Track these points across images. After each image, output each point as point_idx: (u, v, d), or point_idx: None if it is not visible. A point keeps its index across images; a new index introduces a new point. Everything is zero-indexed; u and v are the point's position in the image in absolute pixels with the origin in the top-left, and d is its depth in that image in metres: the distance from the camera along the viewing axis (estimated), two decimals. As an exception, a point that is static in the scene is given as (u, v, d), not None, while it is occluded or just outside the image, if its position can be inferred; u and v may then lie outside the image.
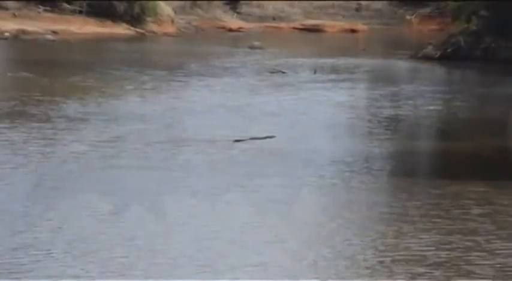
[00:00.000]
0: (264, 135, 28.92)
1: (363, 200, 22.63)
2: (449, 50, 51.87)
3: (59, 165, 25.32)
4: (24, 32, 59.90)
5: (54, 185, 23.10)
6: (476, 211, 20.68)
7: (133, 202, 21.59)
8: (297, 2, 75.33)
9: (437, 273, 16.61)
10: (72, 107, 34.65)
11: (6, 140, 28.83)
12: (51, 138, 28.68)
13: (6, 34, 58.95)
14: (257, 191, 22.97)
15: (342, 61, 52.07)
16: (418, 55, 52.93)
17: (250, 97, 38.12)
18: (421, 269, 16.81)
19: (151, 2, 65.74)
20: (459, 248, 18.02)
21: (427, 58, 51.79)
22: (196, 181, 23.86)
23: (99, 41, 59.61)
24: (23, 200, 21.28)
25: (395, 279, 16.32)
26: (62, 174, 24.34)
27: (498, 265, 16.94)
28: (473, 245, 18.14)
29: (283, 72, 45.79)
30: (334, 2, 76.64)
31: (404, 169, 27.38)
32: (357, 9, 75.43)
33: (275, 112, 33.95)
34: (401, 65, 51.44)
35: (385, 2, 72.23)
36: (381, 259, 17.53)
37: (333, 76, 45.72)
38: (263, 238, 18.87)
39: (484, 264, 17.03)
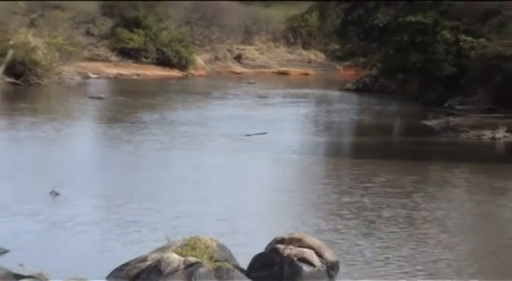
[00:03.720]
0: (262, 132, 28.77)
1: (306, 169, 22.94)
2: (360, 86, 51.50)
3: (138, 145, 25.69)
4: (120, 74, 59.68)
5: (139, 161, 23.49)
6: (363, 178, 20.71)
7: (183, 165, 22.22)
8: (274, 56, 75.08)
9: (330, 208, 17.03)
10: (146, 115, 34.62)
11: (111, 134, 29.10)
12: (134, 133, 28.87)
13: (111, 75, 58.71)
14: (254, 158, 23.38)
15: (300, 91, 51.67)
16: (343, 88, 52.47)
17: (249, 111, 37.76)
18: (322, 207, 17.26)
19: (191, 57, 65.59)
20: (350, 193, 18.43)
21: (348, 90, 51.30)
22: (221, 155, 24.12)
23: (162, 79, 59.35)
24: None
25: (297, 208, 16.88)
26: (143, 151, 24.72)
27: (365, 203, 17.37)
28: (362, 194, 18.56)
29: (267, 97, 45.62)
30: (296, 57, 76.41)
31: (335, 152, 27.66)
32: (308, 62, 75.18)
33: (265, 119, 33.46)
34: (334, 93, 50.90)
35: (324, 57, 71.69)
36: (300, 199, 18.11)
37: (295, 99, 45.40)
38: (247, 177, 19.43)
39: (355, 202, 17.50)
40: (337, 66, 65.07)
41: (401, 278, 12.23)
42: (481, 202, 18.39)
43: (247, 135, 27.96)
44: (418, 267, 12.80)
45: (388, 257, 13.27)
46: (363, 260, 13.13)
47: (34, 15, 52.92)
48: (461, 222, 16.28)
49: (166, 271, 11.30)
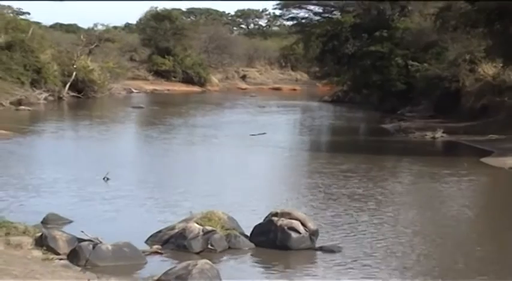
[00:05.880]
0: (262, 132, 28.60)
1: (293, 160, 22.95)
2: (335, 98, 51.38)
3: (168, 142, 25.57)
4: (155, 89, 59.75)
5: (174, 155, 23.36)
6: (336, 166, 20.61)
7: (201, 156, 22.13)
8: (270, 76, 75.04)
9: (306, 189, 16.84)
10: (174, 120, 34.61)
11: (147, 133, 29.03)
12: (164, 133, 28.81)
13: (148, 91, 58.75)
14: (255, 152, 23.37)
15: (290, 102, 51.78)
16: (321, 100, 52.43)
17: (252, 117, 37.81)
18: (302, 188, 17.20)
19: (208, 77, 65.71)
20: (321, 177, 18.32)
21: (325, 101, 51.26)
22: (231, 150, 24.12)
23: (186, 93, 59.31)
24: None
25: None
26: (171, 146, 24.60)
27: (330, 184, 17.29)
28: (330, 177, 18.52)
29: (265, 107, 45.65)
30: (287, 76, 76.46)
31: (315, 148, 27.63)
32: (296, 80, 75.09)
33: (265, 123, 33.23)
34: (315, 104, 50.75)
35: (307, 77, 71.64)
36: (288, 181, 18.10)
37: (286, 108, 45.53)
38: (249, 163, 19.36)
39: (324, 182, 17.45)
40: (317, 84, 65.10)
41: (354, 235, 12.26)
42: (417, 183, 18.50)
43: (252, 135, 27.83)
44: (368, 228, 12.89)
45: (347, 222, 13.30)
46: (332, 225, 13.13)
47: (92, 46, 53.02)
48: (398, 197, 16.30)
49: (190, 236, 11.29)
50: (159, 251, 11.14)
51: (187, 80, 64.06)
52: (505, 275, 10.39)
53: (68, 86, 45.94)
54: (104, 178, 17.10)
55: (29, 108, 37.57)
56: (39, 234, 10.99)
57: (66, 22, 79.11)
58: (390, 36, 42.24)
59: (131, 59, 66.42)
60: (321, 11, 51.04)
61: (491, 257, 11.42)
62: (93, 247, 10.48)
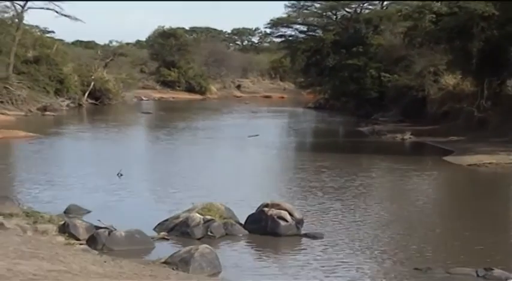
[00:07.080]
0: (255, 134, 28.32)
1: (281, 159, 22.90)
2: (317, 105, 50.88)
3: (173, 142, 25.60)
4: (162, 97, 59.74)
5: (169, 152, 23.21)
6: (319, 163, 20.66)
7: (202, 155, 22.04)
8: (261, 85, 74.74)
9: (290, 183, 16.85)
10: (178, 124, 34.46)
11: (155, 135, 28.92)
12: (171, 135, 28.77)
13: (156, 98, 58.44)
14: (249, 151, 23.33)
15: (278, 108, 51.51)
16: (306, 106, 51.94)
17: (247, 121, 37.66)
18: (286, 183, 17.18)
19: (208, 86, 65.49)
20: (303, 173, 18.33)
21: (309, 108, 50.63)
22: (228, 149, 24.04)
23: (189, 101, 58.88)
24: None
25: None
26: (176, 146, 24.54)
27: (309, 179, 17.26)
28: (310, 173, 18.52)
29: (257, 112, 45.48)
30: (276, 86, 76.23)
31: (300, 148, 27.51)
32: (284, 89, 74.85)
33: (257, 127, 32.81)
34: (300, 110, 50.22)
35: (294, 86, 71.23)
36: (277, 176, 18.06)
37: (276, 113, 45.33)
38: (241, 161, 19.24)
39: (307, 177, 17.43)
40: (302, 92, 64.86)
41: (333, 222, 12.24)
42: (386, 177, 18.52)
43: (249, 136, 27.66)
44: (345, 217, 12.83)
45: (328, 211, 13.32)
46: (315, 214, 13.10)
47: (107, 60, 52.91)
48: (369, 189, 16.35)
49: (192, 224, 11.32)
50: (166, 237, 11.15)
51: (190, 89, 63.93)
52: (457, 245, 10.51)
53: (86, 94, 45.87)
54: (117, 174, 17.07)
55: (53, 113, 37.52)
56: (62, 222, 11.04)
57: (85, 39, 78.81)
58: (365, 52, 42.31)
59: (141, 71, 66.25)
60: (305, 29, 51.09)
61: (445, 237, 11.71)
62: (109, 234, 10.51)
